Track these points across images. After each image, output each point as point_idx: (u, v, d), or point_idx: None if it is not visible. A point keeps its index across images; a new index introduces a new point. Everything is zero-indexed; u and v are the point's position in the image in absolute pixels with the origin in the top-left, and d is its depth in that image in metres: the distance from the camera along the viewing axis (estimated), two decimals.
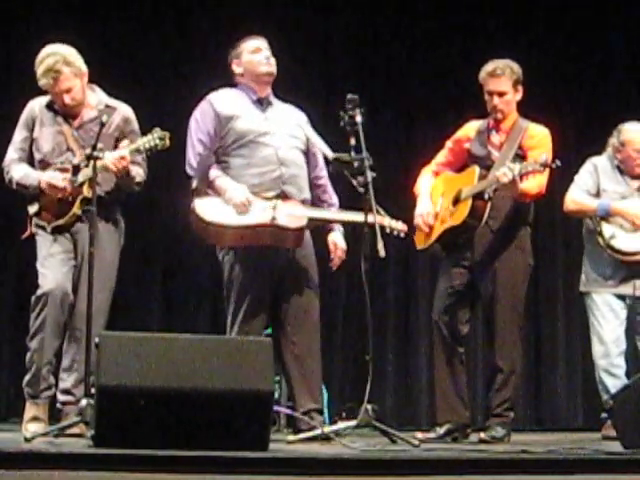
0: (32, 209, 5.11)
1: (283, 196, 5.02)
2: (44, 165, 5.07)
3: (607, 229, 5.87)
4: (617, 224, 5.86)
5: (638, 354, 5.98)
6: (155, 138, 4.97)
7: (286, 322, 5.06)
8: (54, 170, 5.03)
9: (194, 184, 5.05)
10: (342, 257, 5.23)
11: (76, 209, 5.03)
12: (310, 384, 5.04)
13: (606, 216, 5.87)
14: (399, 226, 5.15)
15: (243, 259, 5.01)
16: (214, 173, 5.04)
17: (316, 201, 5.25)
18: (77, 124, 5.10)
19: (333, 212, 5.21)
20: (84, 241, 4.93)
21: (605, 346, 5.89)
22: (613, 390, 5.70)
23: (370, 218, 4.65)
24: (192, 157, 5.08)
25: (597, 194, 5.96)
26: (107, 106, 5.07)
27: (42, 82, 5.00)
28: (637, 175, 5.96)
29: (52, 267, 5.00)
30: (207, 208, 4.99)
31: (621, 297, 5.92)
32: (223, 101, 5.13)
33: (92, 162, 4.64)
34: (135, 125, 5.18)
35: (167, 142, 4.99)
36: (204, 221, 4.97)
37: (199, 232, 5.04)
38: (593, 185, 5.96)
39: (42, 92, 5.11)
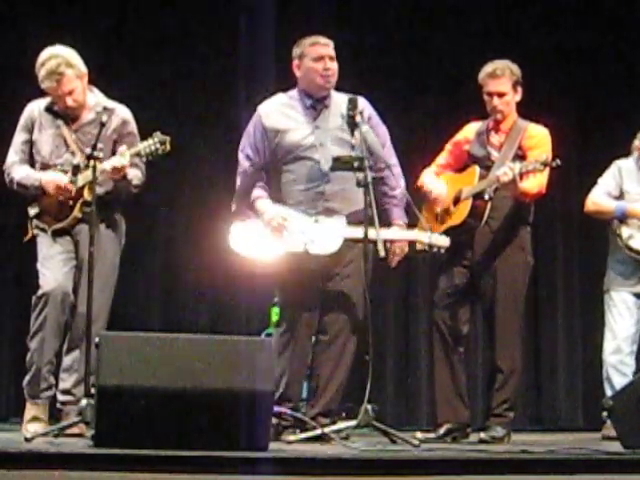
0: (32, 211, 5.10)
1: (326, 212, 5.00)
2: (44, 167, 5.07)
3: (625, 230, 5.90)
4: (635, 226, 5.88)
5: None
6: (156, 142, 4.97)
7: (328, 327, 5.07)
8: (55, 171, 5.03)
9: (233, 207, 5.09)
10: (400, 254, 5.09)
11: (77, 212, 5.03)
12: (333, 388, 5.05)
13: (623, 218, 5.90)
14: (440, 241, 5.08)
15: (286, 274, 5.03)
16: (256, 193, 5.06)
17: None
18: (76, 126, 5.09)
19: (370, 231, 4.85)
20: (84, 242, 4.92)
21: (617, 342, 5.90)
22: (619, 388, 5.71)
23: (374, 232, 4.66)
24: (238, 175, 5.11)
25: (620, 196, 5.99)
26: (105, 108, 5.06)
27: (45, 84, 4.99)
28: None
29: (52, 267, 5.00)
30: (240, 239, 5.03)
31: (639, 296, 5.94)
32: (272, 114, 5.08)
33: (92, 162, 4.64)
34: (133, 127, 5.17)
35: (168, 147, 4.98)
36: (237, 254, 5.03)
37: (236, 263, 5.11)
38: (615, 187, 5.99)
39: (42, 93, 5.11)
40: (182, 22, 7.39)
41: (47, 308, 4.93)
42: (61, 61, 4.96)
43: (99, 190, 4.88)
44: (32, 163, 5.13)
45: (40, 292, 4.96)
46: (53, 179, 4.99)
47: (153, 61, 7.32)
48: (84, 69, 5.05)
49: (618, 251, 5.96)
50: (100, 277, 4.76)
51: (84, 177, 4.94)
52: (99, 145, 4.66)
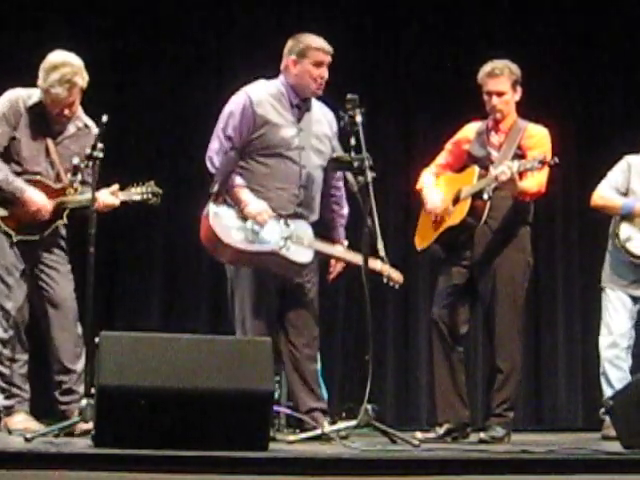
0: (0, 212, 5.00)
1: (295, 216, 5.00)
2: (22, 170, 4.98)
3: (624, 231, 5.88)
4: (637, 227, 5.87)
5: None
6: (149, 192, 5.05)
7: (288, 324, 5.05)
8: (40, 186, 4.97)
9: (215, 188, 4.92)
10: (340, 271, 5.26)
11: (51, 230, 5.01)
12: (309, 384, 5.04)
13: (629, 216, 5.88)
14: (396, 277, 5.21)
15: (250, 269, 5.01)
16: (238, 181, 4.96)
17: (325, 211, 5.22)
18: (59, 139, 5.04)
19: (339, 250, 5.14)
20: (47, 256, 5.01)
21: (613, 337, 5.91)
22: (616, 383, 5.79)
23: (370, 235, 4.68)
24: (215, 154, 4.98)
25: (626, 193, 5.97)
26: (86, 125, 5.06)
27: (55, 90, 4.89)
28: None
29: (14, 286, 4.96)
30: (220, 221, 4.91)
31: (635, 298, 5.95)
32: (263, 102, 5.01)
33: (91, 163, 4.63)
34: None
35: (159, 201, 5.08)
36: (214, 234, 4.90)
37: (205, 241, 4.99)
38: (623, 183, 5.96)
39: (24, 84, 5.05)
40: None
41: (11, 330, 4.95)
42: (77, 70, 4.90)
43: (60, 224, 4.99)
44: (7, 158, 4.98)
45: (5, 312, 4.95)
46: (39, 202, 4.93)
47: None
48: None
49: (617, 250, 5.96)
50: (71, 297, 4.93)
51: (72, 201, 4.95)
52: (99, 145, 4.64)
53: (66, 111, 4.97)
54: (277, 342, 4.99)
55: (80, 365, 5.01)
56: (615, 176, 5.98)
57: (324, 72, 5.03)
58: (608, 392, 5.83)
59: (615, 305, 5.95)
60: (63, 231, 5.10)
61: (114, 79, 6.98)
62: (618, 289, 5.94)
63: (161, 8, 7.31)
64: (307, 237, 5.00)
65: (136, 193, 5.02)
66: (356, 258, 4.98)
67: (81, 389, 4.93)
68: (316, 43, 5.05)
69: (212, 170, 4.99)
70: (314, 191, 5.08)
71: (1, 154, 4.99)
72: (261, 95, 5.04)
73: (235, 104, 5.03)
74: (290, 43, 5.09)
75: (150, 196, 5.03)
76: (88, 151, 4.64)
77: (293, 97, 5.07)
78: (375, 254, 4.69)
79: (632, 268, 5.91)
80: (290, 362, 5.04)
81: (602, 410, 5.85)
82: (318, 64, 5.02)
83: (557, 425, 7.40)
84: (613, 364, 5.89)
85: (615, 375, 5.84)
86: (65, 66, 4.90)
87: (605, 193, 5.95)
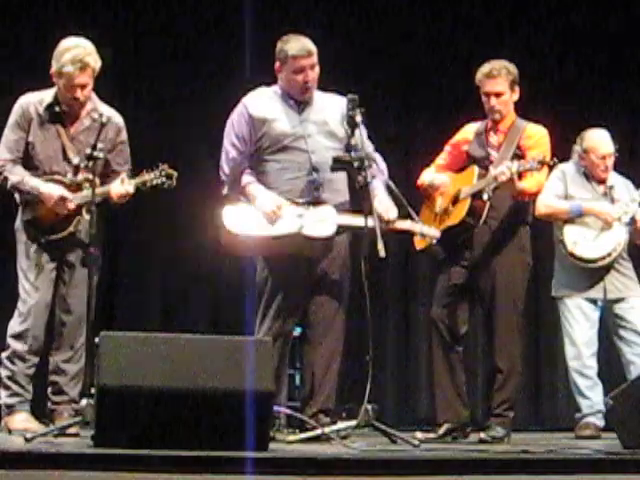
0: (25, 216, 5.04)
1: (316, 202, 5.00)
2: (40, 172, 5.01)
3: (569, 236, 5.92)
4: (585, 226, 5.89)
5: (620, 355, 6.06)
6: (163, 176, 5.02)
7: (316, 323, 5.07)
8: (56, 183, 4.97)
9: (225, 191, 5.06)
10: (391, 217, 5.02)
11: (72, 227, 5.01)
12: (328, 386, 5.07)
13: (579, 216, 5.90)
14: (431, 232, 5.17)
15: (276, 259, 5.02)
16: (247, 179, 5.04)
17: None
18: (73, 133, 5.04)
19: (362, 219, 4.90)
20: (73, 256, 5.02)
21: (577, 348, 5.99)
22: (586, 391, 5.93)
23: (370, 222, 4.67)
24: (225, 162, 5.09)
25: (566, 200, 5.99)
26: (101, 115, 5.05)
27: (66, 69, 4.88)
28: (602, 180, 6.04)
29: (41, 285, 4.99)
30: (234, 219, 4.98)
31: (592, 301, 5.98)
32: (258, 104, 5.09)
33: (92, 163, 4.63)
34: (125, 135, 5.13)
35: (174, 182, 5.05)
36: (230, 233, 4.97)
37: (226, 245, 5.03)
38: (563, 190, 6.02)
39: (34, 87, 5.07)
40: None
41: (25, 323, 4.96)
42: (89, 52, 4.93)
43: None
44: (25, 163, 5.03)
45: (25, 307, 4.97)
46: (55, 193, 4.94)
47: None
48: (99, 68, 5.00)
49: (563, 257, 5.98)
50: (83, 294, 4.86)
51: (82, 197, 4.94)
52: (99, 145, 4.65)
53: (78, 93, 4.94)
54: (304, 340, 5.12)
55: (74, 368, 5.01)
56: (554, 184, 6.00)
57: (308, 76, 5.04)
58: (580, 400, 5.97)
59: (574, 314, 6.00)
60: (86, 226, 5.01)
61: (115, 77, 6.97)
62: (576, 295, 5.98)
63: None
64: (328, 214, 4.99)
65: (150, 178, 5.01)
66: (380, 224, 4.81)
67: (72, 392, 4.97)
68: (294, 50, 5.04)
69: (224, 178, 5.10)
70: (332, 173, 5.03)
71: (22, 160, 5.02)
72: (255, 99, 5.12)
73: (234, 113, 5.14)
74: (278, 46, 5.12)
75: (165, 179, 5.02)
76: (88, 151, 4.67)
77: (288, 99, 5.11)
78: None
79: (584, 271, 5.95)
80: (318, 361, 5.06)
81: (577, 415, 5.93)
82: (298, 71, 5.04)
83: (557, 425, 7.40)
84: (580, 373, 5.99)
85: (584, 384, 5.96)
86: (77, 47, 4.93)
87: (549, 201, 5.96)
